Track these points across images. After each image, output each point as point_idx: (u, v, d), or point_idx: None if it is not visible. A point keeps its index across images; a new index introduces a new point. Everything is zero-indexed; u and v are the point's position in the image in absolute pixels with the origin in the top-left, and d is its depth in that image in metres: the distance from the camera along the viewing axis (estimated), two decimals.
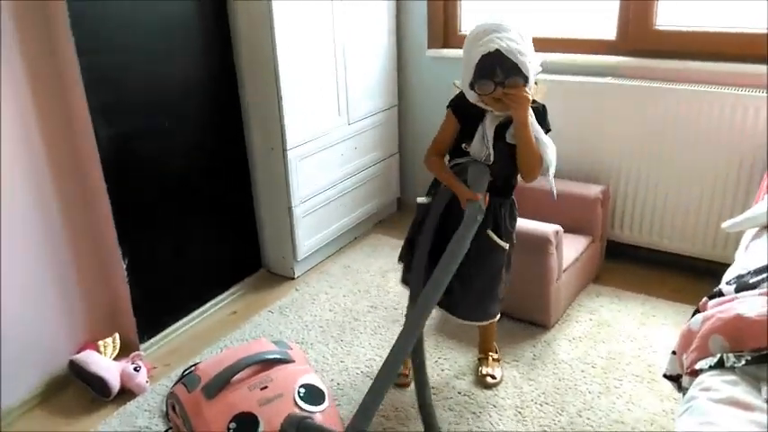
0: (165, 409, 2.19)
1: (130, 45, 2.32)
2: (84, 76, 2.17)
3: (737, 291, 1.38)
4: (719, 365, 1.22)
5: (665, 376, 1.56)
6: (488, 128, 1.83)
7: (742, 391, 1.14)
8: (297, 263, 3.08)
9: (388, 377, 1.64)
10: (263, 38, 2.66)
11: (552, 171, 1.90)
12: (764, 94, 2.51)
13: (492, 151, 1.84)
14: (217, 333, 2.69)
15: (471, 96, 1.80)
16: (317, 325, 2.70)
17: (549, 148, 1.86)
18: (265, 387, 1.88)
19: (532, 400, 2.21)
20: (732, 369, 1.20)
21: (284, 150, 2.82)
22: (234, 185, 2.92)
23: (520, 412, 2.16)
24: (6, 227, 2.14)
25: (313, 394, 1.90)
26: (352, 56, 3.10)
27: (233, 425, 1.77)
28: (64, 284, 2.37)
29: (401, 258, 2.24)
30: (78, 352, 2.40)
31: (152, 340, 2.60)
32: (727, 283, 1.43)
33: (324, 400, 1.89)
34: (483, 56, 1.69)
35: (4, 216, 2.13)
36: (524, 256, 2.48)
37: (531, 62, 1.72)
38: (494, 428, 2.10)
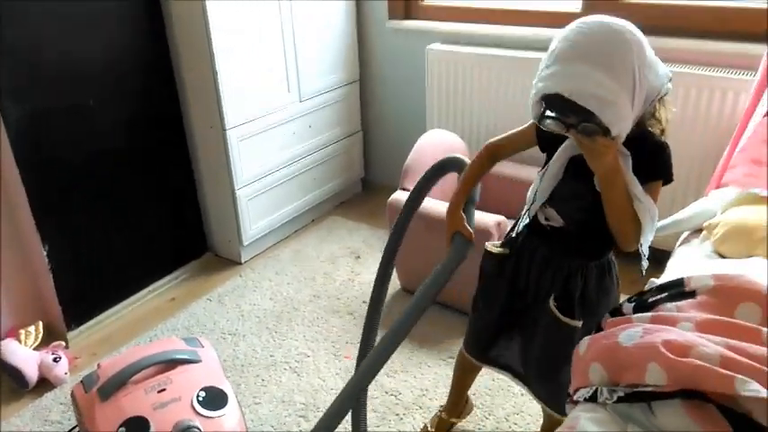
0: None
1: (46, 10, 2.17)
2: None
3: (635, 310, 1.24)
4: (593, 399, 1.09)
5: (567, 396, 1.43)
6: (555, 159, 1.37)
7: None
8: (244, 247, 2.97)
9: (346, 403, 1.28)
10: (193, 6, 2.49)
11: (646, 243, 1.33)
12: (743, 77, 2.28)
13: (546, 189, 1.39)
14: (151, 322, 2.60)
15: (542, 125, 1.26)
16: (254, 315, 2.60)
17: (648, 212, 1.28)
18: (163, 390, 1.78)
19: None
20: (603, 405, 1.07)
21: (224, 129, 2.68)
22: (173, 165, 2.80)
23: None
24: None
25: (214, 398, 1.79)
26: (302, 27, 2.91)
27: (122, 430, 1.68)
28: None
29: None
30: (2, 339, 2.33)
31: (81, 328, 2.52)
32: (629, 300, 1.29)
33: (225, 405, 1.79)
34: (544, 95, 1.21)
35: None
36: None
37: (622, 104, 1.16)
38: None
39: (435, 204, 2.46)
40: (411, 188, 2.55)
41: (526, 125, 1.50)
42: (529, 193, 1.47)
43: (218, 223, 2.97)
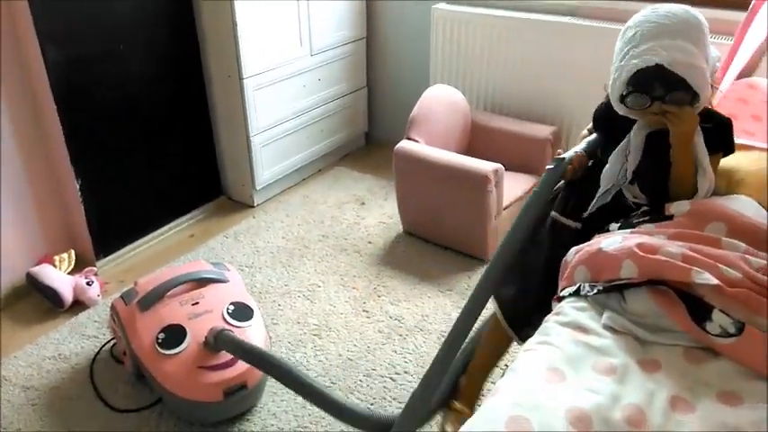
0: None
1: None
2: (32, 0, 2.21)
3: (620, 229, 1.46)
4: (577, 293, 1.32)
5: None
6: (634, 137, 1.46)
7: (586, 317, 1.25)
8: (256, 191, 3.17)
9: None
10: None
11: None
12: (725, 41, 2.49)
13: (631, 167, 1.47)
14: (173, 254, 2.82)
15: (620, 109, 1.43)
16: (269, 251, 2.82)
17: (707, 184, 1.42)
18: (196, 303, 2.02)
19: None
20: (585, 297, 1.30)
21: (240, 79, 2.85)
22: (192, 111, 2.97)
23: (443, 336, 2.28)
24: None
25: (242, 312, 2.02)
26: None
27: (162, 335, 1.91)
28: (20, 203, 2.48)
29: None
30: (36, 265, 2.53)
31: (108, 258, 2.72)
32: (616, 222, 1.50)
33: (251, 317, 2.02)
34: (639, 70, 1.34)
35: None
36: (465, 191, 2.58)
37: (706, 71, 1.34)
38: (417, 350, 2.24)
39: (439, 153, 2.67)
40: (416, 138, 2.77)
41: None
42: (605, 172, 1.51)
43: (232, 168, 3.16)
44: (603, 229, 1.49)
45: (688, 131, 1.37)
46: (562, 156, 1.54)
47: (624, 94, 1.39)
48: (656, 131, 1.43)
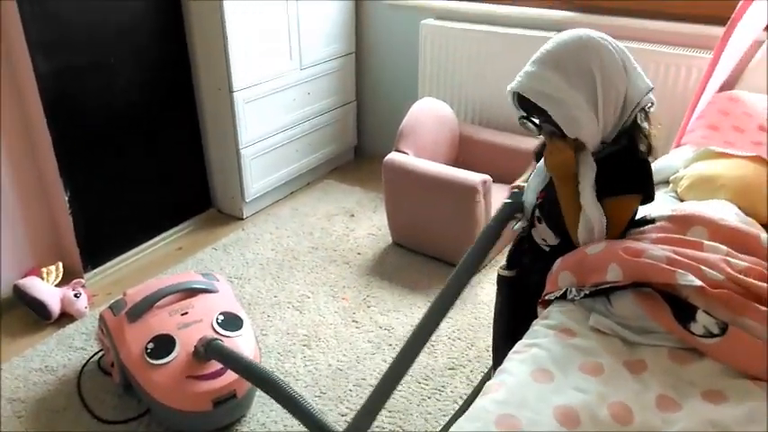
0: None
1: None
2: (23, 10, 2.22)
3: None
4: (563, 297, 1.34)
5: None
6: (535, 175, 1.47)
7: (572, 320, 1.27)
8: (246, 204, 3.18)
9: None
10: None
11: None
12: (705, 55, 2.55)
13: (530, 193, 1.47)
14: (161, 267, 2.81)
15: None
16: (258, 263, 2.82)
17: (587, 224, 1.32)
18: (186, 313, 2.01)
19: (446, 336, 2.35)
20: (572, 301, 1.32)
21: (231, 92, 2.87)
22: (181, 124, 2.98)
23: (432, 346, 2.30)
24: None
25: (231, 322, 2.02)
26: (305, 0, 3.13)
27: (151, 345, 1.90)
28: (8, 214, 2.46)
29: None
30: (23, 277, 2.52)
31: (96, 270, 2.71)
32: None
33: (241, 327, 2.02)
34: (514, 93, 1.34)
35: None
36: (453, 203, 2.61)
37: (579, 106, 1.24)
38: None
39: (427, 164, 2.70)
40: (405, 150, 2.80)
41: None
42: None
43: (221, 180, 3.17)
44: (534, 272, 1.48)
45: (554, 164, 1.33)
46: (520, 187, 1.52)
47: (518, 117, 1.37)
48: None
